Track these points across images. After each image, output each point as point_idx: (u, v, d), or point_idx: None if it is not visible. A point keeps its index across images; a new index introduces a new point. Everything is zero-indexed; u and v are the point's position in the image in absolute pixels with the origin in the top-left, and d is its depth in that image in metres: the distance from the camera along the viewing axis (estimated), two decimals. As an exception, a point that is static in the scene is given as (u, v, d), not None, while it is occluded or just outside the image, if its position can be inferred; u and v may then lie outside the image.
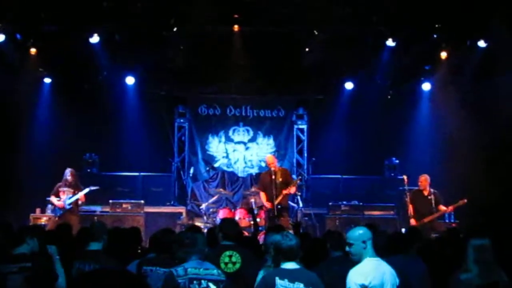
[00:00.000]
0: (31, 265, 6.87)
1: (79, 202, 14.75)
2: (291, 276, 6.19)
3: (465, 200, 14.41)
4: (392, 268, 6.41)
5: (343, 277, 6.42)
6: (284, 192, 14.03)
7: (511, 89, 15.75)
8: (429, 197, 14.62)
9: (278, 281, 6.17)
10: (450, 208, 14.55)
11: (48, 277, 6.91)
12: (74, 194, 14.55)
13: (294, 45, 17.67)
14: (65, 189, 14.58)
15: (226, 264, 7.84)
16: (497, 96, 16.33)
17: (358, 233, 6.48)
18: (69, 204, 14.44)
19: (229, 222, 9.02)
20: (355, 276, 6.30)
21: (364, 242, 6.41)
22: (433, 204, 14.54)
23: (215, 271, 6.45)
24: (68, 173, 14.72)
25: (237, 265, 7.85)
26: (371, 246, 6.42)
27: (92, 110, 18.27)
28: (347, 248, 6.53)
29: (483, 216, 15.01)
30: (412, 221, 14.54)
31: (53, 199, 14.64)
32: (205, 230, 12.93)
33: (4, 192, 16.13)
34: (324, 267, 6.98)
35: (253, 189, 16.22)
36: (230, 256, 7.90)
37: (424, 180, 14.78)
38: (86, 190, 14.65)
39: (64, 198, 14.47)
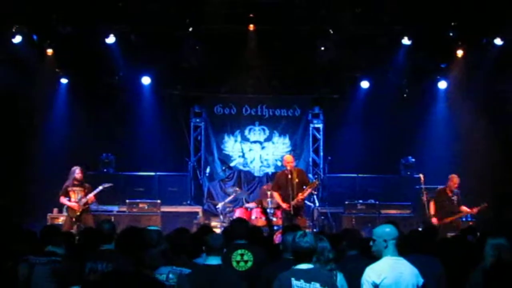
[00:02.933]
0: (59, 260, 7.01)
1: (90, 201, 14.51)
2: (306, 276, 6.15)
3: (486, 204, 14.39)
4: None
5: (357, 276, 6.41)
6: (301, 195, 13.90)
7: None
8: (453, 198, 14.68)
9: (294, 281, 6.12)
10: (475, 210, 14.53)
11: (73, 274, 7.01)
12: (85, 193, 14.33)
13: (310, 44, 17.62)
14: (75, 188, 14.35)
15: (238, 262, 7.88)
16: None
17: (382, 231, 6.46)
18: (83, 204, 14.33)
19: (239, 221, 9.09)
20: (369, 272, 6.28)
21: (385, 241, 6.37)
22: (456, 204, 14.61)
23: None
24: (77, 171, 14.39)
25: (249, 264, 7.88)
26: (393, 246, 6.37)
27: (108, 110, 18.39)
28: (370, 243, 6.52)
29: (499, 213, 14.97)
30: (434, 220, 14.58)
31: (64, 200, 14.38)
32: (221, 230, 12.98)
33: (21, 192, 16.23)
34: (339, 266, 6.97)
35: (266, 188, 16.25)
36: (242, 255, 7.93)
37: (456, 180, 14.73)
38: (100, 188, 14.45)
39: (76, 198, 14.37)
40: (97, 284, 5.95)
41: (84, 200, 14.23)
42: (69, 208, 14.41)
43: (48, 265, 7.04)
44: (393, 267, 6.29)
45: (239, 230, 8.39)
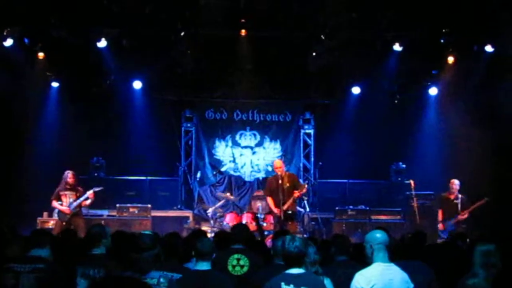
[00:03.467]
0: (44, 267, 6.93)
1: (84, 204, 14.55)
2: (296, 281, 6.12)
3: (485, 200, 14.57)
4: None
5: (347, 281, 6.42)
6: (295, 195, 13.90)
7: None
8: (455, 201, 14.79)
9: (283, 286, 6.09)
10: (465, 215, 14.69)
11: (58, 281, 6.94)
12: (76, 197, 14.36)
13: (301, 50, 17.63)
14: (67, 192, 14.37)
15: (233, 266, 7.91)
16: (504, 101, 16.28)
17: (370, 236, 6.51)
18: (74, 208, 14.35)
19: (239, 226, 9.13)
20: (359, 279, 6.30)
21: (371, 246, 6.41)
22: (459, 209, 14.69)
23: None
24: (69, 175, 14.43)
25: (245, 269, 7.90)
26: (382, 251, 6.38)
27: (100, 115, 18.39)
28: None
29: (490, 221, 15.01)
30: (441, 226, 14.86)
31: (55, 204, 14.40)
32: (212, 234, 12.98)
33: (12, 195, 16.17)
34: (328, 271, 6.97)
35: (257, 194, 16.22)
36: (238, 259, 7.96)
37: (456, 185, 14.91)
38: (90, 192, 14.48)
39: (68, 202, 14.38)
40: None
41: (75, 204, 14.25)
42: (60, 212, 14.42)
43: (33, 274, 6.94)
44: (383, 273, 6.30)
45: (239, 235, 8.45)
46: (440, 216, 15.03)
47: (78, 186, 14.63)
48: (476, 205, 14.63)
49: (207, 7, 15.95)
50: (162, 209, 17.59)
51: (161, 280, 6.31)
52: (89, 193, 14.39)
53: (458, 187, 14.91)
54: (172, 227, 15.31)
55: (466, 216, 14.68)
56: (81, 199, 14.32)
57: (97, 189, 14.58)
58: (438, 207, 15.36)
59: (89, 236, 7.58)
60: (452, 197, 14.91)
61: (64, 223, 14.12)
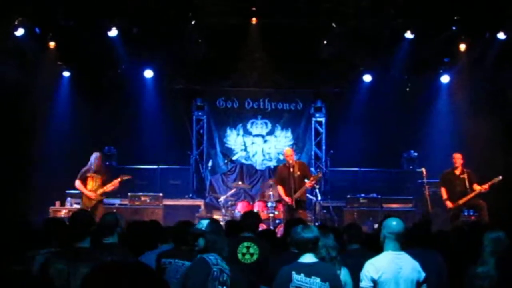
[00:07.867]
0: None
1: (108, 190, 14.11)
2: (308, 270, 6.13)
3: (500, 177, 13.89)
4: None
5: (358, 270, 6.41)
6: (306, 185, 13.87)
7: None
8: (462, 176, 14.28)
9: (294, 275, 6.11)
10: (485, 186, 13.98)
11: None
12: (102, 181, 13.94)
13: (312, 38, 17.63)
14: (94, 175, 13.99)
15: (243, 254, 7.93)
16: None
17: (386, 224, 6.52)
18: (101, 194, 13.99)
19: (249, 214, 9.14)
20: (368, 267, 6.32)
21: (385, 234, 6.41)
22: (467, 184, 14.17)
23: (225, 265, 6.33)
24: (97, 158, 14.11)
25: (255, 257, 7.92)
26: (393, 241, 6.38)
27: (111, 104, 18.40)
28: None
29: (502, 209, 14.92)
30: (448, 204, 14.36)
31: (80, 186, 13.89)
32: (223, 223, 13.01)
33: (23, 185, 16.20)
34: (340, 260, 6.95)
35: (270, 182, 16.21)
36: (248, 248, 7.97)
37: (459, 158, 14.46)
38: (116, 181, 14.04)
39: (93, 186, 13.89)
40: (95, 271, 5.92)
41: (101, 190, 13.97)
42: (84, 197, 14.03)
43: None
44: (393, 262, 6.30)
45: (249, 222, 8.48)
46: (444, 195, 14.52)
47: (105, 170, 14.49)
48: (491, 183, 13.91)
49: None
50: (174, 198, 17.63)
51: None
52: (115, 182, 14.03)
53: (462, 161, 14.41)
54: (184, 216, 15.30)
55: (487, 188, 13.97)
56: (110, 187, 13.98)
57: (125, 177, 14.27)
58: (441, 185, 14.81)
59: (103, 225, 7.58)
60: (457, 172, 14.39)
61: (88, 209, 13.18)
